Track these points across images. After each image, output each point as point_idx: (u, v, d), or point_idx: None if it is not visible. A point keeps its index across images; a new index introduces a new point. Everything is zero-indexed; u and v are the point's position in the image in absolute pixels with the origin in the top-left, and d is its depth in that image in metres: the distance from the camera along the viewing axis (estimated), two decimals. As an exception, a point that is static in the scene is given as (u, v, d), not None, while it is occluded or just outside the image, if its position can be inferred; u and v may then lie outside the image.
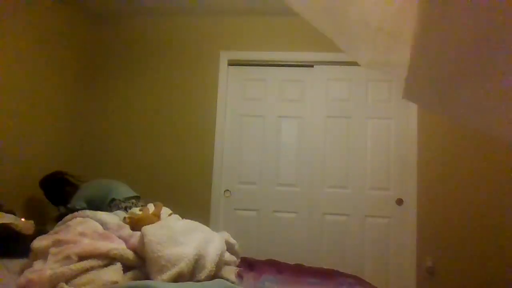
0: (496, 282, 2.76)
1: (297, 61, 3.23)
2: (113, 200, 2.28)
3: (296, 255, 2.98)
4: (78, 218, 1.66)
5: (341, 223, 3.05)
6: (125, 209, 2.21)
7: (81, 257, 1.34)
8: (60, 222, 1.70)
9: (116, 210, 2.16)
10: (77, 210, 2.19)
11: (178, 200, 2.92)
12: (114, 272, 1.35)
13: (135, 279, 1.39)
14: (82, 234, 1.49)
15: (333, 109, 3.16)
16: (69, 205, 2.34)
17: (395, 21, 0.65)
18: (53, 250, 1.39)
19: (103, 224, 1.65)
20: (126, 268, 1.42)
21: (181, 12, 3.28)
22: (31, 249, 1.47)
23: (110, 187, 2.41)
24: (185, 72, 3.30)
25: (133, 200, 2.35)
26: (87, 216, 1.69)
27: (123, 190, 2.40)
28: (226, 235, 1.79)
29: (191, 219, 1.86)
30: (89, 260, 1.34)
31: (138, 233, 1.54)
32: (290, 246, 3.05)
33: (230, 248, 1.75)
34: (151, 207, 2.02)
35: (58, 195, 2.44)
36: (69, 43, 3.09)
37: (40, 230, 1.87)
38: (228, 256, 1.69)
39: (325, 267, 2.12)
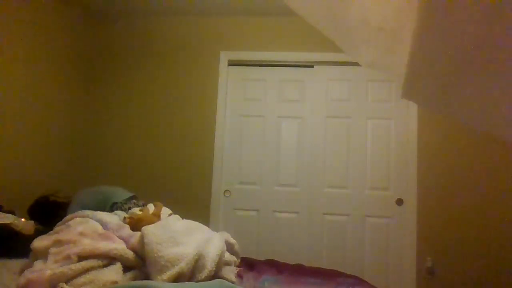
0: (496, 282, 2.76)
1: (297, 61, 3.23)
2: (114, 203, 2.26)
3: (296, 255, 2.98)
4: (78, 218, 1.66)
5: (341, 223, 3.05)
6: (129, 209, 2.20)
7: (81, 257, 1.34)
8: (60, 222, 1.69)
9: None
10: None
11: (178, 200, 2.93)
12: (114, 272, 1.35)
13: (135, 279, 1.39)
14: (82, 234, 1.49)
15: (333, 109, 3.16)
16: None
17: (396, 20, 0.65)
18: (53, 250, 1.39)
19: (103, 224, 1.65)
20: (126, 268, 1.42)
21: (181, 12, 3.28)
22: (31, 249, 1.46)
23: (107, 192, 2.37)
24: (185, 72, 3.30)
25: (134, 201, 2.34)
26: (87, 216, 1.69)
27: (121, 193, 2.38)
28: (226, 235, 1.78)
29: (191, 219, 1.86)
30: (89, 260, 1.34)
31: (138, 233, 1.54)
32: (290, 246, 3.05)
33: (230, 248, 1.75)
34: (151, 207, 2.02)
35: (52, 220, 2.32)
36: (69, 43, 3.09)
37: (40, 230, 1.86)
38: (228, 256, 1.68)
39: (325, 267, 2.12)
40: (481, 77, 0.62)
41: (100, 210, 2.17)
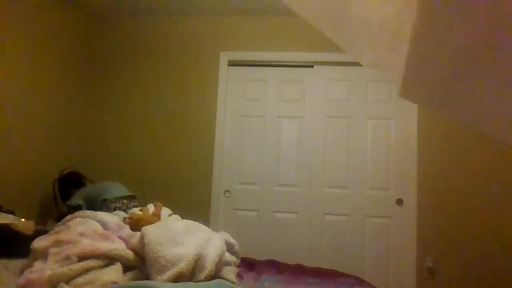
0: (496, 282, 2.76)
1: (297, 61, 3.23)
2: (104, 200, 2.28)
3: (296, 255, 2.98)
4: (78, 218, 1.66)
5: (341, 223, 3.05)
6: (115, 209, 2.20)
7: (81, 257, 1.34)
8: (60, 222, 1.69)
9: (106, 210, 2.15)
10: (73, 206, 2.22)
11: (178, 200, 2.92)
12: (114, 272, 1.35)
13: (135, 279, 1.39)
14: (82, 234, 1.49)
15: (333, 109, 3.16)
16: (67, 202, 2.35)
17: (398, 19, 0.64)
18: (53, 250, 1.39)
19: (103, 224, 1.65)
20: (126, 268, 1.42)
21: (181, 12, 3.28)
22: (31, 249, 1.46)
23: (104, 187, 2.43)
24: (185, 72, 3.30)
25: (124, 201, 2.34)
26: (87, 216, 1.68)
27: (115, 190, 2.40)
28: (226, 235, 1.78)
29: (191, 219, 1.86)
30: (89, 260, 1.34)
31: (138, 233, 1.54)
32: (290, 246, 3.05)
33: (230, 248, 1.75)
34: (151, 207, 2.02)
35: (69, 194, 2.44)
36: (69, 43, 3.09)
37: (40, 230, 1.86)
38: (228, 256, 1.68)
39: (325, 267, 2.12)
40: (480, 75, 0.62)
41: (93, 203, 2.25)
